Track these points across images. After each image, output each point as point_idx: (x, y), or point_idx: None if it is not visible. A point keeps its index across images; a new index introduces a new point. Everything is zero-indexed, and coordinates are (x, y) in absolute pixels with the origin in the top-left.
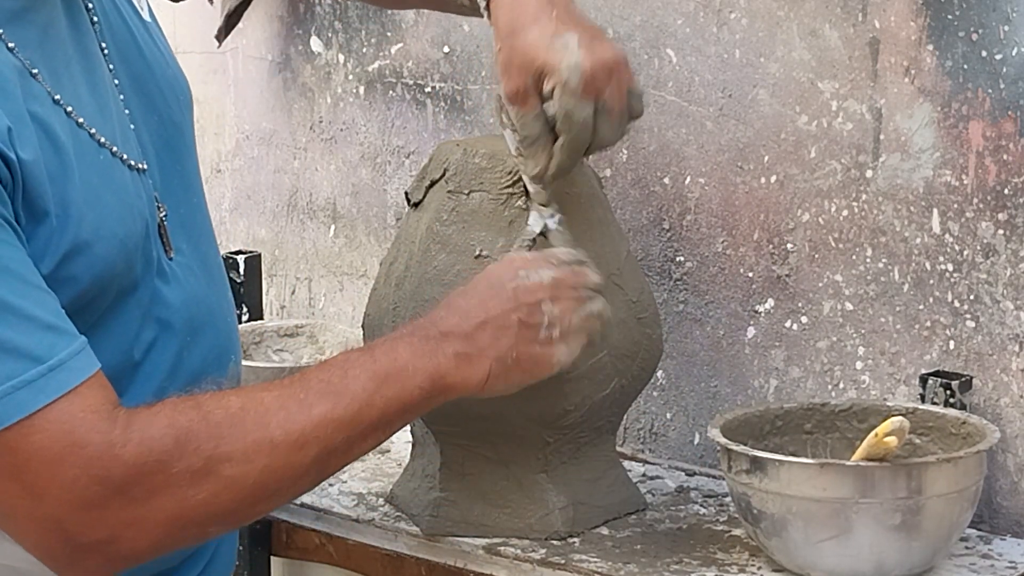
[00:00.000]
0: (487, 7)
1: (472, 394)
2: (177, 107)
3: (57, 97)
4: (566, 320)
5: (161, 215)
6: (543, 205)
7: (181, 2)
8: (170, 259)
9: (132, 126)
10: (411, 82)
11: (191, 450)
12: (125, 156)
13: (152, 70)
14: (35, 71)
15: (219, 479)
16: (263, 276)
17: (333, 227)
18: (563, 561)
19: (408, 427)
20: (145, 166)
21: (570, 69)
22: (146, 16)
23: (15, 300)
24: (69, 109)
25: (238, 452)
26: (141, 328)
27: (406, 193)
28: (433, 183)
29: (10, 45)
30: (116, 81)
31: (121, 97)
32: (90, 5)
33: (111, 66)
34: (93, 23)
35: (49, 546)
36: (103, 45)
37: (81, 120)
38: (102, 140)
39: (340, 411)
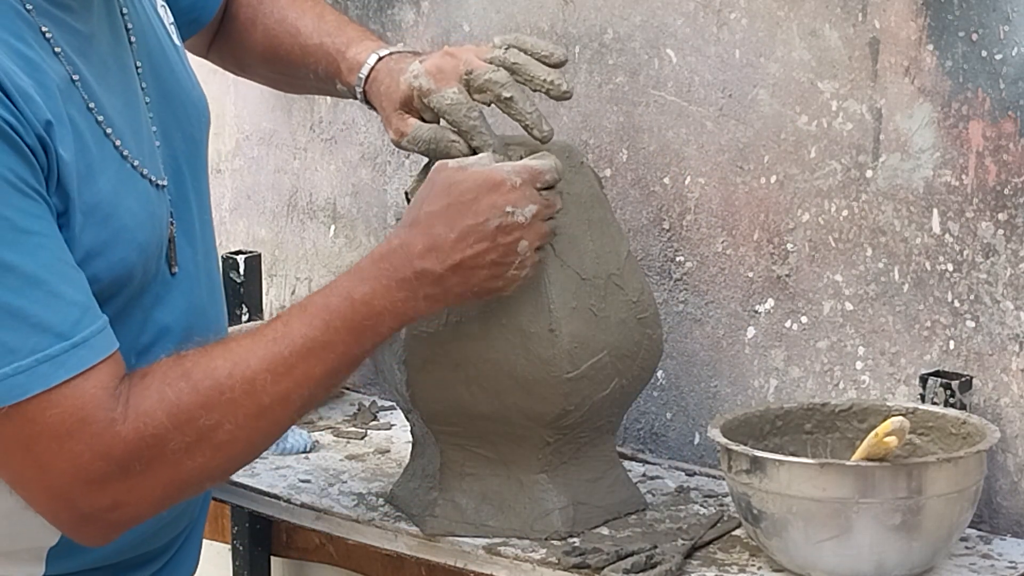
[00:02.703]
0: (366, 97)
1: None
2: (199, 126)
3: (91, 105)
4: (532, 258)
5: (172, 230)
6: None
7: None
8: (173, 275)
9: (157, 144)
10: None
11: (183, 422)
12: (146, 171)
13: (180, 89)
14: (76, 77)
15: (211, 446)
16: (263, 276)
17: (333, 227)
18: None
19: (408, 427)
20: (165, 182)
21: (418, 79)
22: (176, 40)
23: (46, 276)
24: (100, 119)
25: (228, 419)
26: (141, 333)
27: (406, 193)
28: None
29: (56, 49)
30: (147, 99)
31: (150, 115)
32: (129, 25)
33: (144, 84)
34: (131, 42)
35: (57, 513)
36: (138, 63)
37: (109, 131)
38: (126, 153)
39: (321, 368)
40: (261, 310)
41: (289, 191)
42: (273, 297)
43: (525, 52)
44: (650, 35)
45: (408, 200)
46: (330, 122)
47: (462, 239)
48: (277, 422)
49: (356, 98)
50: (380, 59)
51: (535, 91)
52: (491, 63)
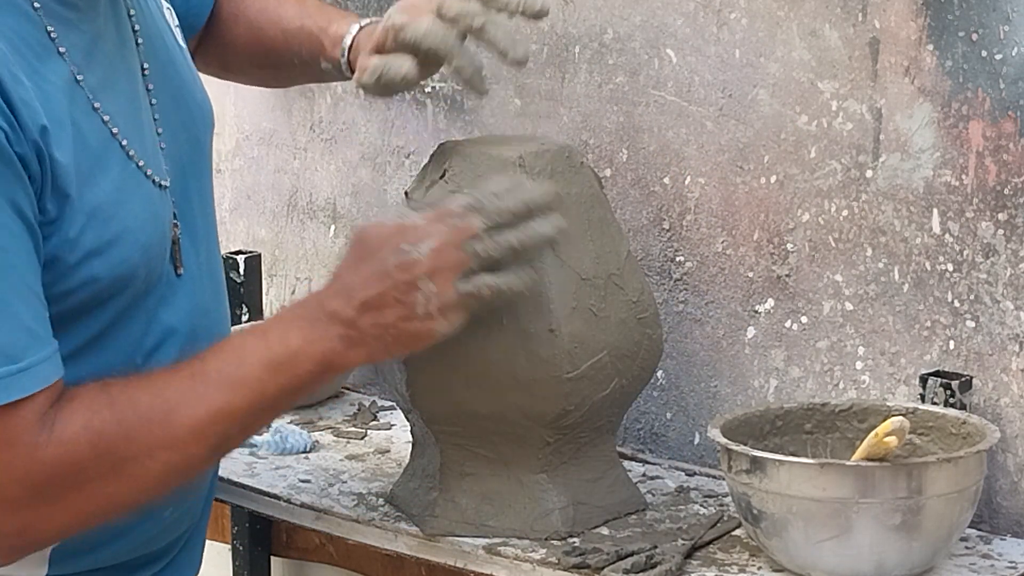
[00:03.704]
0: (349, 64)
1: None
2: (204, 128)
3: (96, 105)
4: (443, 296)
5: (176, 232)
6: None
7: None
8: (178, 276)
9: (162, 146)
10: None
11: (104, 452)
12: (150, 171)
13: (186, 91)
14: (80, 77)
15: (125, 477)
16: (263, 276)
17: (333, 227)
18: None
19: (408, 427)
20: (168, 183)
21: (392, 17)
22: (182, 43)
23: (7, 296)
24: (106, 118)
25: (143, 451)
26: (145, 334)
27: (406, 193)
28: (433, 183)
29: (60, 49)
30: (153, 100)
31: (156, 117)
32: (136, 27)
33: (150, 85)
34: (138, 43)
35: None
36: (144, 65)
37: (115, 131)
38: (131, 153)
39: (236, 402)
40: (261, 310)
41: (289, 191)
42: (273, 297)
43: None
44: (650, 35)
45: (408, 200)
46: (330, 122)
47: (365, 281)
48: (192, 456)
49: (340, 73)
50: (362, 28)
51: (511, 15)
52: None
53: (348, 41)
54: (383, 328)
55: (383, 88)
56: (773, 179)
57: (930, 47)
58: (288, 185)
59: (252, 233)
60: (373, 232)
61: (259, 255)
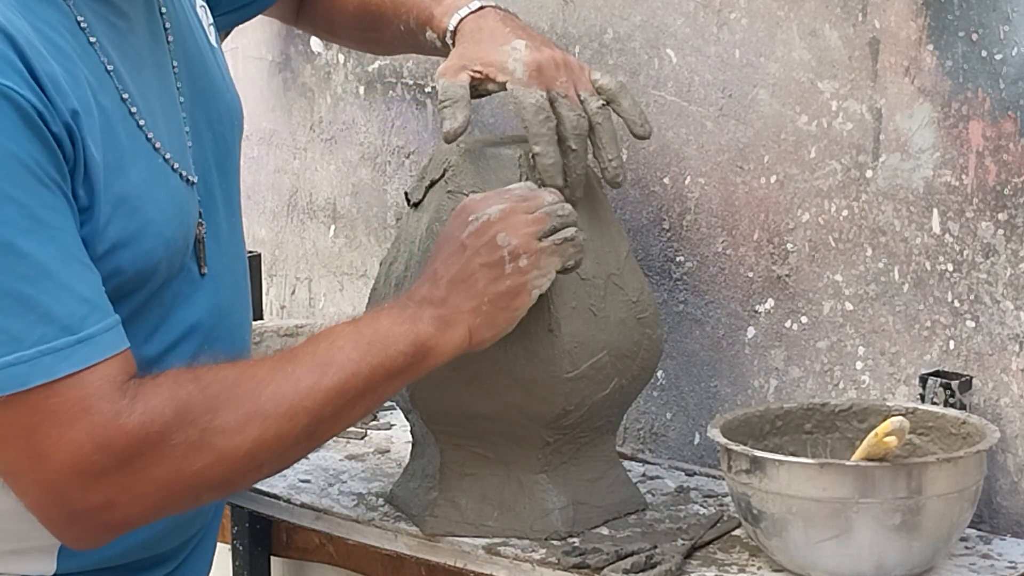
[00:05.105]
0: (452, 38)
1: (464, 351)
2: (231, 129)
3: (125, 96)
4: (528, 245)
5: (201, 231)
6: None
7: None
8: (202, 275)
9: (189, 144)
10: (411, 82)
11: (189, 422)
12: (177, 165)
13: (215, 91)
14: (110, 68)
15: (213, 451)
16: (263, 276)
17: (333, 227)
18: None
19: (408, 427)
20: (195, 180)
21: (516, 62)
22: (214, 42)
23: (57, 268)
24: (133, 110)
25: (231, 424)
26: (161, 327)
27: (406, 193)
28: (433, 183)
29: (91, 39)
30: (181, 99)
31: (184, 115)
32: (167, 25)
33: (179, 84)
34: (168, 41)
35: (46, 508)
36: (175, 63)
37: (142, 123)
38: (157, 145)
39: (328, 381)
40: (261, 310)
41: (289, 191)
42: (273, 297)
43: (620, 108)
44: (650, 35)
45: (408, 200)
46: (330, 122)
47: (445, 261)
48: (283, 435)
49: (443, 45)
50: (483, 7)
51: (593, 156)
52: (583, 103)
53: (465, 12)
54: (477, 299)
55: (440, 101)
56: (773, 179)
57: (930, 47)
58: (288, 185)
59: (252, 233)
60: (445, 225)
61: (259, 255)
